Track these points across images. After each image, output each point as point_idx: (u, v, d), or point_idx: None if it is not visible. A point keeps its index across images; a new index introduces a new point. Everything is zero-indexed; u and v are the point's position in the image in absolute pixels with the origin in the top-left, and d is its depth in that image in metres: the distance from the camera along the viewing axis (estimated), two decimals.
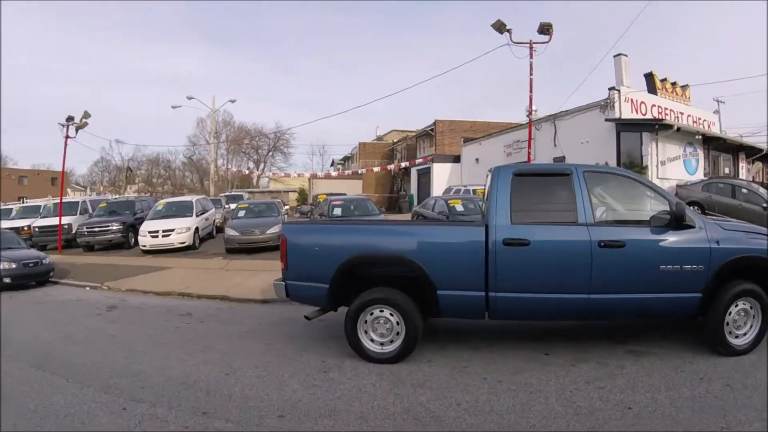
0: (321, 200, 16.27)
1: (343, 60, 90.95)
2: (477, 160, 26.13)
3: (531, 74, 10.07)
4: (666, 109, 17.26)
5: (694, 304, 3.98)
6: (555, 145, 18.73)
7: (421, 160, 29.46)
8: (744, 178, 17.53)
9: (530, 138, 10.20)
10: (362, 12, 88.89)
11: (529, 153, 9.29)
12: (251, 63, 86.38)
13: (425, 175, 29.60)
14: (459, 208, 11.30)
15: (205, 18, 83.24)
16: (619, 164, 15.35)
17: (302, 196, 42.02)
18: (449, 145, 31.86)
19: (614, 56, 17.06)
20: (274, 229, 11.17)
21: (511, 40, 9.43)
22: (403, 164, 31.88)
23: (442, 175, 27.88)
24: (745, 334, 4.09)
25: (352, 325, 4.02)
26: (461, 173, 27.66)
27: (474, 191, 17.05)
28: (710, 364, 3.96)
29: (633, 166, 14.75)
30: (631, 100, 16.03)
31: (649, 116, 16.66)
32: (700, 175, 15.96)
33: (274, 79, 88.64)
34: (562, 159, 18.49)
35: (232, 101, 29.97)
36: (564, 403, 3.22)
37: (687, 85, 18.24)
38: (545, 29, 9.09)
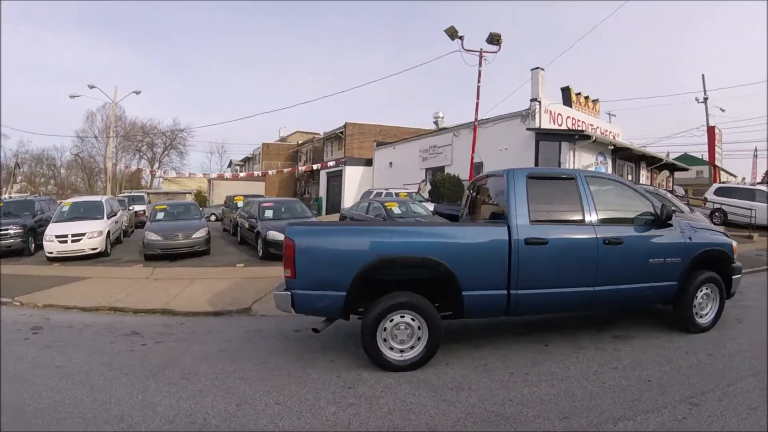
0: (238, 202, 15.80)
1: (244, 60, 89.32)
2: (391, 164, 26.93)
3: (479, 82, 10.67)
4: (579, 120, 19.31)
5: (672, 291, 4.65)
6: (474, 152, 19.86)
7: (333, 162, 29.48)
8: (644, 183, 20.12)
9: (474, 143, 10.75)
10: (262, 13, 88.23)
11: (472, 157, 9.73)
12: (148, 59, 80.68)
13: (336, 178, 29.77)
14: (396, 210, 11.49)
15: (100, 10, 75.85)
16: None
17: (200, 198, 39.65)
18: (359, 148, 32.45)
19: (531, 69, 18.65)
20: (200, 233, 10.75)
21: (463, 47, 9.89)
22: (315, 166, 31.61)
23: (354, 179, 28.32)
24: (707, 314, 4.86)
25: (371, 334, 3.83)
26: (373, 177, 28.30)
27: (396, 194, 17.49)
28: (685, 341, 4.57)
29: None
30: (550, 111, 17.68)
31: (564, 127, 18.42)
32: None
33: (171, 77, 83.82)
34: (480, 165, 19.79)
35: (137, 93, 27.30)
36: (596, 384, 3.47)
37: (597, 100, 20.63)
38: (494, 39, 9.66)
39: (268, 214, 10.99)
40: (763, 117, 68.84)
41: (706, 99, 26.72)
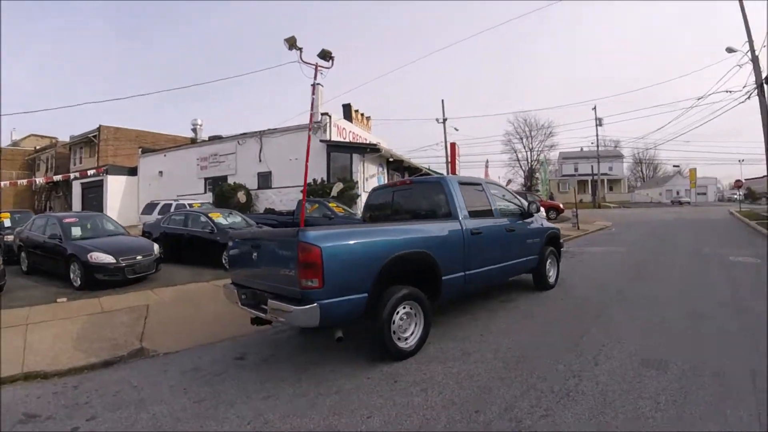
0: (4, 220, 12.56)
1: None
2: (161, 173, 24.55)
3: (313, 94, 11.24)
4: (357, 135, 22.05)
5: (536, 262, 6.81)
6: (260, 161, 20.41)
7: (93, 171, 24.65)
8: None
9: (308, 150, 11.34)
10: None
11: (306, 166, 10.23)
12: None
13: (95, 189, 25.26)
14: (223, 221, 11.21)
15: None
16: (329, 179, 18.47)
17: None
18: (114, 156, 28.16)
19: (311, 85, 20.26)
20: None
21: (301, 59, 10.31)
22: (72, 175, 25.66)
23: (117, 190, 24.71)
24: (552, 275, 7.29)
25: (388, 328, 4.18)
26: (139, 187, 25.43)
27: (190, 205, 16.51)
28: (542, 296, 6.81)
29: (346, 181, 18.15)
30: (337, 125, 19.66)
31: (348, 140, 20.78)
32: None
33: None
34: (268, 174, 20.45)
35: None
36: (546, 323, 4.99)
37: (370, 117, 23.92)
38: (327, 55, 10.49)
39: (77, 232, 8.85)
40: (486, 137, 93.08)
41: (445, 120, 34.23)
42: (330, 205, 14.51)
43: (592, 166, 50.27)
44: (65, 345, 5.07)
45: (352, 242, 4.11)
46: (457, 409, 3.22)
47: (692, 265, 9.00)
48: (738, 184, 37.55)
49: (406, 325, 4.40)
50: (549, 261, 7.13)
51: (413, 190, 6.29)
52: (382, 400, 3.44)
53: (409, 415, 3.16)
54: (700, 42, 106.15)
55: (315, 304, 3.73)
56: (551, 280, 7.19)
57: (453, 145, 33.32)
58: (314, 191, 17.47)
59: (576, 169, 63.61)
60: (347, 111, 21.87)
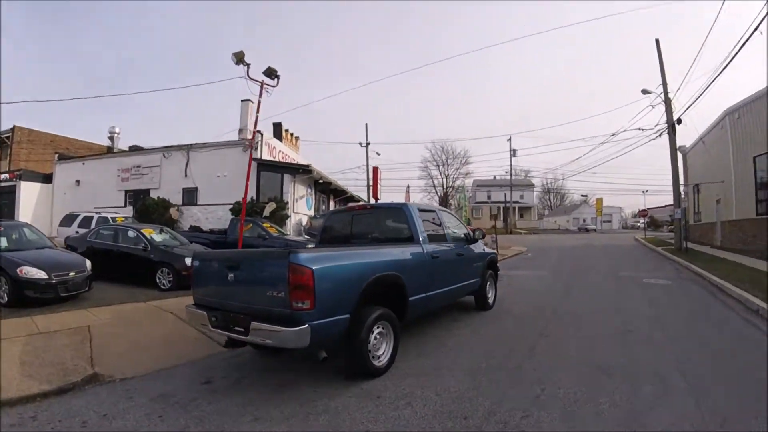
0: None
1: None
2: (78, 182, 22.57)
3: (258, 112, 11.13)
4: (286, 155, 21.94)
5: (478, 284, 7.39)
6: (186, 176, 19.59)
7: (6, 176, 22.02)
8: None
9: (249, 168, 11.19)
10: None
11: (247, 185, 10.01)
12: None
13: (6, 195, 22.85)
14: (157, 238, 10.63)
15: None
16: (258, 198, 18.19)
17: None
18: (26, 161, 25.31)
19: (242, 101, 20.07)
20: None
21: (248, 75, 10.20)
22: None
23: (30, 198, 22.20)
24: (491, 296, 7.89)
25: (366, 346, 4.33)
26: (53, 196, 23.13)
27: (113, 219, 15.47)
28: (485, 315, 7.38)
29: (277, 201, 17.99)
30: (268, 143, 19.47)
31: (278, 159, 20.61)
32: (311, 211, 21.33)
33: None
34: (194, 190, 19.67)
35: None
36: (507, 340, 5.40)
37: (298, 138, 23.84)
38: (272, 73, 10.50)
39: (3, 243, 8.16)
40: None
41: (368, 144, 35.01)
42: (264, 225, 14.28)
43: (505, 194, 54.36)
44: (10, 370, 4.58)
45: (338, 264, 4.25)
46: (447, 417, 3.49)
47: (612, 287, 10.24)
48: (643, 213, 42.94)
49: (379, 344, 4.58)
50: (489, 283, 7.75)
51: (374, 215, 6.59)
52: (372, 415, 3.59)
53: (406, 426, 3.36)
54: (619, 82, 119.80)
55: (306, 326, 3.78)
56: (490, 300, 7.81)
57: (375, 169, 34.16)
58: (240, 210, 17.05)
59: (489, 197, 68.48)
60: (278, 130, 21.73)
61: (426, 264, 5.55)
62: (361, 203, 7.06)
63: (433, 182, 69.47)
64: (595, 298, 8.71)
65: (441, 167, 69.47)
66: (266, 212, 16.18)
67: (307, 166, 18.85)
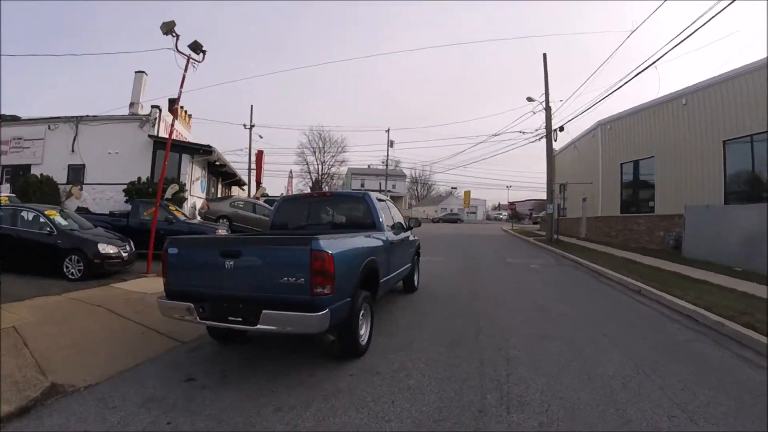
0: None
1: None
2: None
3: (181, 87, 10.34)
4: (179, 133, 20.45)
5: (411, 268, 8.06)
6: (73, 151, 17.38)
7: None
8: (220, 195, 23.59)
9: (168, 150, 10.48)
10: None
11: (164, 166, 9.26)
12: None
13: None
14: (63, 221, 9.45)
15: None
16: (153, 179, 16.92)
17: None
18: None
19: (136, 72, 18.29)
20: None
21: (177, 47, 9.39)
22: None
23: None
24: (416, 281, 8.65)
25: (357, 326, 4.64)
26: None
27: None
28: (415, 297, 8.20)
29: (177, 182, 16.78)
30: (165, 120, 18.02)
31: (173, 137, 19.10)
32: (204, 194, 20.30)
33: None
34: (81, 168, 17.56)
35: None
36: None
37: (191, 116, 22.21)
38: (198, 48, 9.82)
39: None
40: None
41: (252, 126, 33.67)
42: (170, 208, 13.40)
43: (380, 183, 56.50)
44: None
45: (347, 249, 4.51)
46: (449, 381, 4.09)
47: (509, 271, 11.84)
48: (512, 207, 48.31)
49: (362, 324, 4.88)
50: (415, 268, 8.52)
51: (334, 202, 6.87)
52: (385, 388, 3.95)
53: (422, 393, 3.83)
54: (510, 88, 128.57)
55: (327, 310, 3.92)
56: (416, 284, 8.61)
57: (260, 152, 32.87)
58: (139, 191, 15.62)
59: (362, 185, 70.06)
60: (173, 105, 20.00)
61: (387, 249, 6.02)
62: (317, 191, 6.85)
63: (308, 168, 69.88)
64: (501, 281, 10.06)
65: (317, 153, 70.29)
66: (168, 194, 15.05)
67: (208, 146, 17.83)
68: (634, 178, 20.59)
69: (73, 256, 8.72)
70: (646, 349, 5.13)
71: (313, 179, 68.59)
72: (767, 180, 13.13)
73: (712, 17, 10.10)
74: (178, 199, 16.25)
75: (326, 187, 63.52)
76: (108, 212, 13.74)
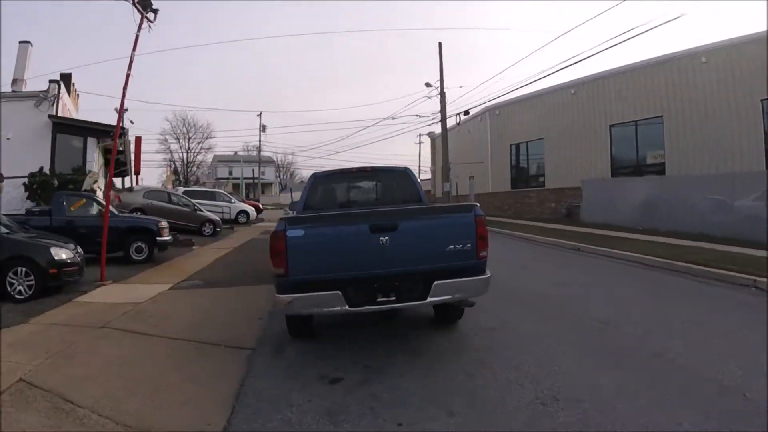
0: None
1: None
2: None
3: (134, 50, 9.03)
4: (70, 113, 18.14)
5: None
6: None
7: None
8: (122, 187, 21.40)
9: (119, 123, 9.55)
10: None
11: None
12: None
13: None
14: None
15: None
16: (53, 168, 14.93)
17: None
18: None
19: (20, 42, 15.79)
20: None
21: (135, 2, 8.33)
22: None
23: None
24: None
25: None
26: None
27: None
28: None
29: (76, 172, 14.91)
30: (62, 99, 15.89)
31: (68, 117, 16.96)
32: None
33: None
34: None
35: None
36: None
37: (79, 94, 19.65)
38: (147, 6, 8.64)
39: None
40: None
41: (125, 110, 29.87)
42: (100, 200, 12.21)
43: (253, 170, 53.89)
44: None
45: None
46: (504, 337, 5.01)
47: None
48: None
49: None
50: None
51: (377, 177, 6.66)
52: (483, 340, 4.81)
53: (522, 341, 4.71)
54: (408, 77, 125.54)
55: (488, 273, 4.21)
56: None
57: (138, 138, 29.79)
58: (43, 185, 13.62)
59: (230, 172, 65.06)
60: (66, 83, 17.48)
61: None
62: (354, 167, 6.48)
63: (172, 156, 62.68)
64: None
65: (182, 140, 63.13)
66: (86, 185, 13.48)
67: (122, 128, 16.06)
68: (526, 157, 23.84)
69: (19, 269, 6.80)
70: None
71: (177, 169, 61.15)
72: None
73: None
74: (92, 192, 14.71)
75: (192, 178, 58.63)
76: (25, 211, 11.83)
